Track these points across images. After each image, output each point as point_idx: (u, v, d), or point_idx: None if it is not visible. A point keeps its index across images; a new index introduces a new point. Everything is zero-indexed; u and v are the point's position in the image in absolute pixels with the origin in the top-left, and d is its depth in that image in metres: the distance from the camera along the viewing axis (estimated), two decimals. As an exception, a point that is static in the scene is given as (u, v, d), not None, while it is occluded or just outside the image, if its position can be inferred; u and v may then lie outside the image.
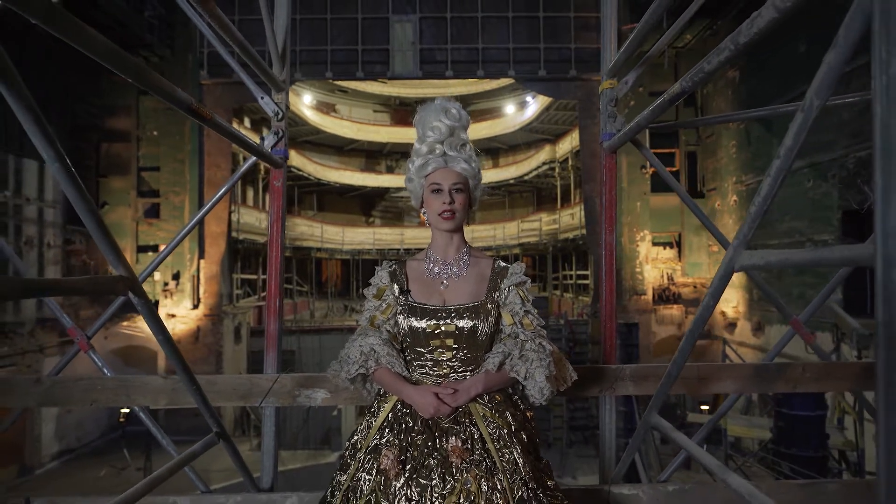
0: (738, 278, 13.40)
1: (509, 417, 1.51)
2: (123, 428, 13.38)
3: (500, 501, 1.35)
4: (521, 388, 1.59)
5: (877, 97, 0.72)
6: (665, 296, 16.00)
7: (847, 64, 0.82)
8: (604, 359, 2.17)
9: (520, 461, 1.43)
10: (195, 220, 2.15)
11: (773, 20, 0.98)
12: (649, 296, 15.68)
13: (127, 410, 13.54)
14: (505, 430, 1.48)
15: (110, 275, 1.06)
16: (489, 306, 1.59)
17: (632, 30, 1.84)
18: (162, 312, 14.47)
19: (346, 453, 1.55)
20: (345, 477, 1.50)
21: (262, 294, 19.94)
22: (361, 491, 1.43)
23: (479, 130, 23.57)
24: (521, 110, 23.00)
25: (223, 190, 2.18)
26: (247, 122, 19.64)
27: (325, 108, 23.68)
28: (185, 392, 2.03)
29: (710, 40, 14.35)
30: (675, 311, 15.74)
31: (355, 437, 1.56)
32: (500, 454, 1.43)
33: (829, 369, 2.08)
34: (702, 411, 11.73)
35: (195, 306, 14.83)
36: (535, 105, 21.45)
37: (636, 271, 15.68)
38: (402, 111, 25.56)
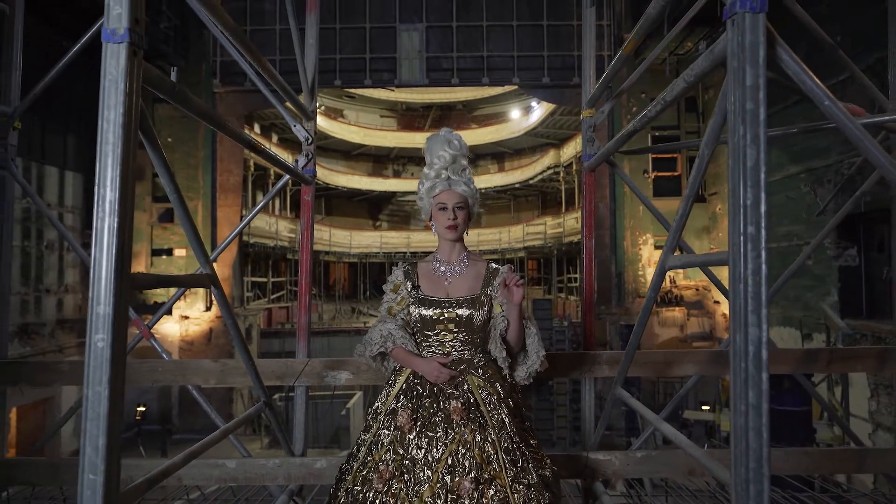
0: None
1: (498, 387, 1.91)
2: (140, 426, 13.81)
3: (490, 450, 1.75)
4: (507, 366, 2.00)
5: (730, 154, 1.10)
6: (667, 298, 16.28)
7: (721, 129, 1.20)
8: (585, 346, 2.56)
9: (506, 420, 1.83)
10: (245, 221, 2.55)
11: (684, 88, 1.37)
12: (651, 298, 15.98)
13: (143, 409, 14.00)
14: (494, 397, 1.88)
15: (201, 273, 1.46)
16: (483, 299, 1.99)
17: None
18: (175, 314, 14.93)
19: (369, 417, 1.96)
20: (368, 435, 1.91)
21: (272, 296, 20.41)
22: (382, 443, 1.84)
23: (485, 135, 23.92)
24: (526, 115, 23.33)
25: (263, 202, 2.59)
26: (257, 128, 20.11)
27: (332, 113, 24.12)
28: (232, 373, 2.43)
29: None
30: (677, 313, 16.04)
31: (376, 404, 1.97)
32: (490, 415, 1.84)
33: (776, 355, 2.45)
34: (702, 410, 12.12)
35: (208, 308, 15.26)
36: (540, 110, 21.76)
37: (639, 274, 16.00)
38: (409, 116, 25.99)
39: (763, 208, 1.06)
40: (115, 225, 1.07)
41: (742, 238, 1.07)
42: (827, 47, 2.11)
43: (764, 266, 1.05)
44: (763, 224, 1.06)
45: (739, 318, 1.07)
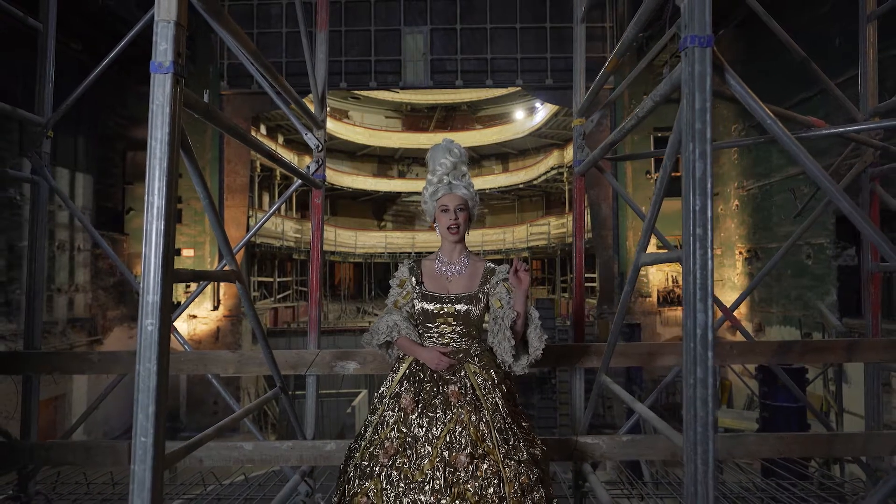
0: (739, 281, 13.86)
1: (493, 374, 2.12)
2: (149, 423, 14.04)
3: (484, 429, 1.96)
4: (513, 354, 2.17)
5: (682, 167, 1.29)
6: (670, 298, 16.41)
7: (679, 144, 1.39)
8: (575, 339, 2.75)
9: (500, 403, 2.04)
10: (260, 223, 2.76)
11: (652, 107, 1.56)
12: (654, 298, 16.13)
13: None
14: (489, 383, 2.09)
15: (227, 269, 1.66)
16: (480, 296, 2.20)
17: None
18: (183, 313, 15.16)
19: (375, 401, 2.17)
20: (374, 417, 2.11)
21: (278, 296, 20.66)
22: (387, 423, 2.05)
23: (489, 136, 24.10)
24: (529, 116, 23.49)
25: (276, 205, 2.79)
26: (263, 129, 20.38)
27: (338, 114, 24.37)
28: (248, 363, 2.63)
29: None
30: (679, 313, 16.16)
31: (382, 389, 2.18)
32: (485, 398, 2.04)
33: (751, 346, 2.64)
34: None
35: (215, 307, 15.49)
36: (543, 111, 21.93)
37: (641, 274, 16.08)
38: (414, 117, 26.21)
39: (709, 213, 1.25)
40: (163, 228, 1.27)
41: (692, 238, 1.26)
42: (801, 60, 2.29)
43: (710, 262, 1.24)
44: (709, 226, 1.25)
45: (690, 305, 1.26)
